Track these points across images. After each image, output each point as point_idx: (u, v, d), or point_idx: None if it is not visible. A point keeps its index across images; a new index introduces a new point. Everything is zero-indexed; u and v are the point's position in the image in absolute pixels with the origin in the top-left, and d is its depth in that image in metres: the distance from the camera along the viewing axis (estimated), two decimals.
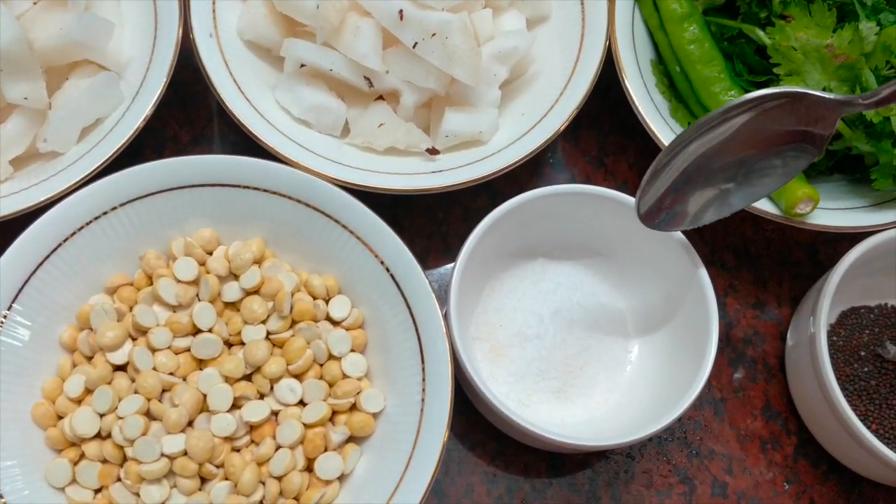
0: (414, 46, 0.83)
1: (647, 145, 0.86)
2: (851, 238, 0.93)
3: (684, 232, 0.86)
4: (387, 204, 0.90)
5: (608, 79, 0.88)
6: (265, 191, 0.77)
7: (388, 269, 0.76)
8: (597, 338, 0.84)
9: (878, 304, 0.89)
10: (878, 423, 0.81)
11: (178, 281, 0.76)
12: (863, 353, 0.84)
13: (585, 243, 0.86)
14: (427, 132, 0.88)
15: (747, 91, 0.86)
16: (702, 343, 0.76)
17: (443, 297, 0.80)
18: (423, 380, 0.74)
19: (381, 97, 0.87)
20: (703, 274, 0.78)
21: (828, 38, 0.82)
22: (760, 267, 0.94)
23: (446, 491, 0.83)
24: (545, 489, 0.84)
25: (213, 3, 0.86)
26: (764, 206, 0.84)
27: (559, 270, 0.87)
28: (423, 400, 0.73)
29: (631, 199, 0.80)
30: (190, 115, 0.94)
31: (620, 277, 0.87)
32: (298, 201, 0.77)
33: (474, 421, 0.85)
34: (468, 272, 0.78)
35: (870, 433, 0.75)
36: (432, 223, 0.92)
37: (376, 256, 0.76)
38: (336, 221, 0.77)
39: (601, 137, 0.98)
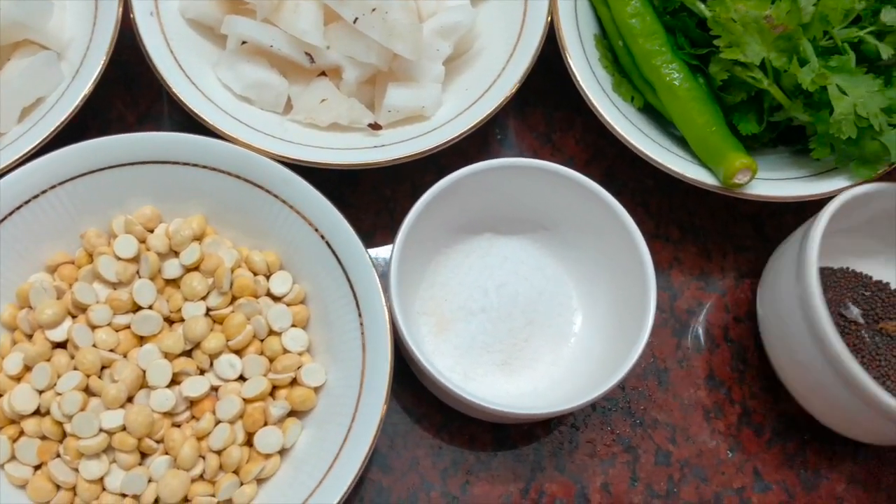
0: (354, 22, 0.82)
1: (593, 121, 0.86)
2: (795, 209, 0.95)
3: (627, 205, 0.86)
4: (333, 181, 0.90)
5: (555, 55, 0.87)
6: (205, 167, 0.77)
7: (328, 244, 0.76)
8: (542, 311, 0.84)
9: (840, 267, 0.88)
10: None
11: (119, 258, 0.76)
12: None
13: (532, 217, 0.86)
14: (372, 108, 0.88)
15: (688, 64, 0.86)
16: (641, 314, 0.77)
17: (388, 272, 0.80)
18: (364, 353, 0.74)
19: (323, 73, 0.87)
20: (643, 246, 0.79)
21: (766, 9, 0.82)
22: (705, 239, 0.94)
23: (392, 464, 0.83)
24: (490, 460, 0.84)
25: None
26: (703, 177, 0.84)
27: (506, 245, 0.87)
28: (363, 373, 0.73)
29: (574, 173, 0.80)
30: (136, 95, 0.93)
31: (566, 251, 0.87)
32: (238, 177, 0.77)
33: (420, 395, 0.85)
34: (410, 247, 0.78)
35: (884, 391, 0.73)
36: (380, 200, 0.92)
37: (317, 231, 0.76)
38: (276, 197, 0.77)
39: (548, 113, 0.98)
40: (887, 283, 0.86)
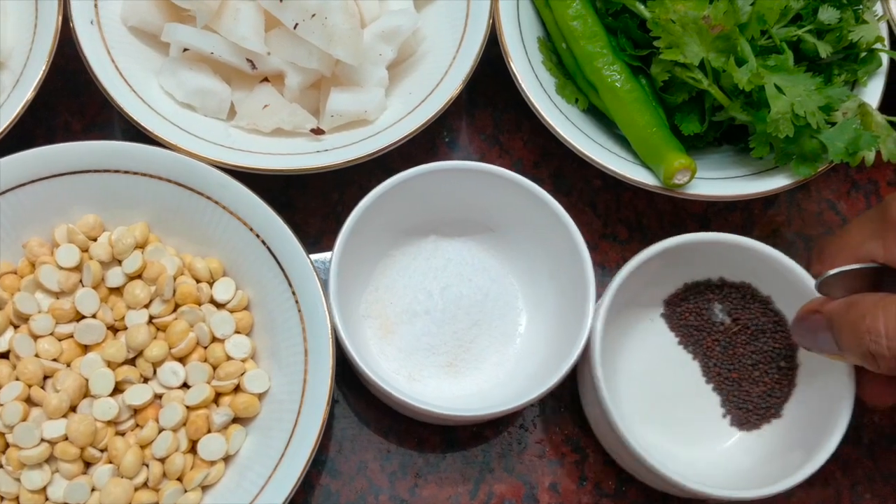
0: (295, 27, 0.82)
1: (540, 122, 0.86)
2: (742, 206, 0.95)
3: (576, 205, 0.87)
4: (280, 186, 0.90)
5: (503, 57, 0.88)
6: (145, 175, 0.76)
7: (269, 249, 0.76)
8: (487, 312, 0.84)
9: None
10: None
11: (61, 268, 0.75)
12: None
13: (477, 219, 0.86)
14: (317, 113, 0.88)
15: (630, 66, 0.87)
16: (582, 314, 0.77)
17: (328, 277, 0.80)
18: (306, 359, 0.74)
19: (266, 79, 0.87)
20: (583, 247, 0.79)
21: (704, 9, 0.82)
22: (653, 239, 0.93)
23: (340, 469, 0.83)
24: (439, 462, 0.84)
25: None
26: (646, 178, 0.85)
27: (451, 247, 0.87)
28: (305, 379, 0.73)
29: (515, 175, 0.81)
30: (82, 104, 0.92)
31: (511, 252, 0.87)
32: (178, 184, 0.76)
33: (369, 399, 0.85)
34: (352, 250, 0.78)
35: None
36: (327, 204, 0.92)
37: (258, 236, 0.76)
38: (216, 202, 0.76)
39: (496, 115, 0.98)
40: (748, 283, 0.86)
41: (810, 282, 0.77)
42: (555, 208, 0.80)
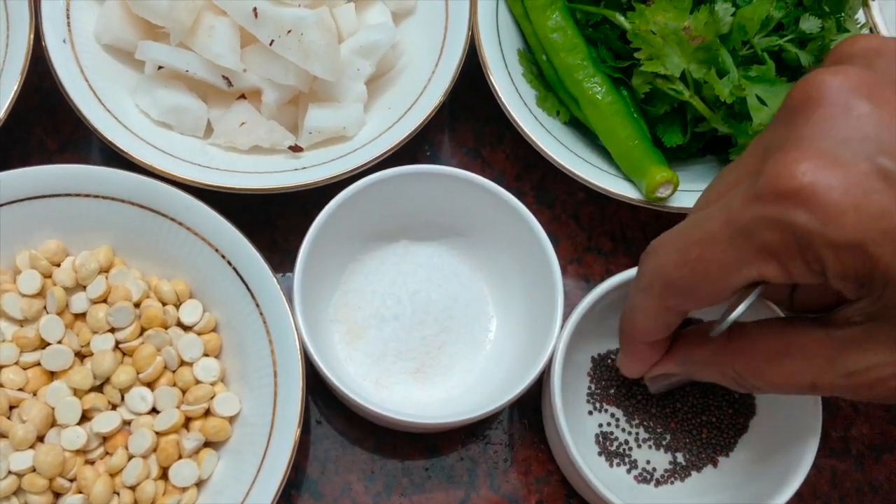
0: (271, 44, 0.80)
1: (522, 135, 0.84)
2: None
3: (559, 217, 0.84)
4: (259, 203, 0.87)
5: (482, 72, 0.85)
6: (108, 198, 0.74)
7: (235, 270, 0.73)
8: (457, 317, 0.82)
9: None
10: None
11: (23, 295, 0.72)
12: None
13: (448, 223, 0.84)
14: (296, 129, 0.86)
15: (610, 77, 0.84)
16: (549, 319, 0.75)
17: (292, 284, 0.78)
18: (276, 379, 0.71)
19: (243, 96, 0.84)
20: (552, 255, 0.77)
21: (685, 20, 0.79)
22: (637, 251, 0.90)
23: (323, 491, 0.80)
24: (424, 483, 0.82)
25: (67, 7, 0.82)
26: (628, 191, 0.82)
27: (421, 251, 0.85)
28: (275, 399, 0.71)
29: (482, 179, 0.79)
30: (57, 122, 0.90)
31: (481, 257, 0.85)
32: (143, 206, 0.74)
33: (352, 419, 0.82)
34: (318, 255, 0.76)
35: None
36: (307, 221, 0.88)
37: (223, 257, 0.73)
38: (181, 224, 0.74)
39: (477, 128, 0.95)
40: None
41: None
42: (522, 212, 0.78)
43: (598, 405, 0.81)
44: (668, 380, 0.73)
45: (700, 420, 0.80)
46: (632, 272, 0.75)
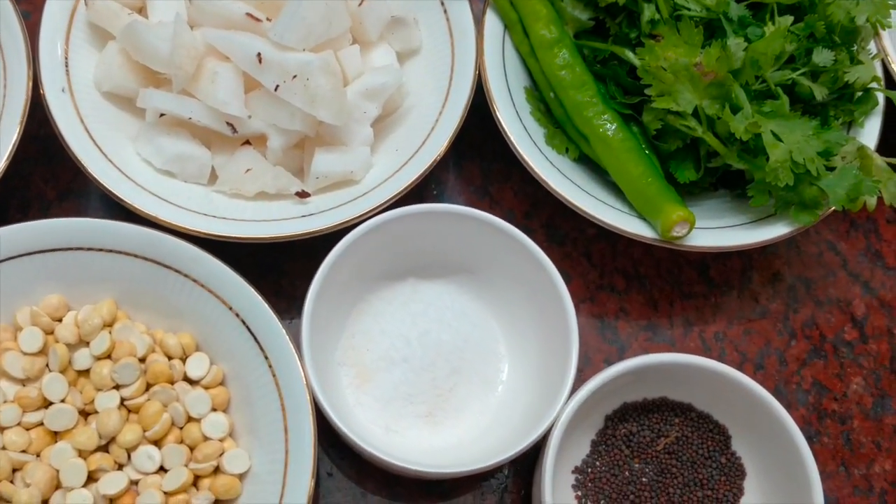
0: (276, 89, 0.75)
1: (529, 172, 0.79)
2: (740, 253, 0.88)
3: (570, 255, 0.80)
4: (266, 249, 0.83)
5: (488, 108, 0.81)
6: (111, 251, 0.69)
7: (244, 322, 0.69)
8: (468, 358, 0.78)
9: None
10: None
11: (25, 353, 0.68)
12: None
13: (456, 262, 0.80)
14: (301, 174, 0.81)
15: (621, 114, 0.80)
16: (564, 360, 0.71)
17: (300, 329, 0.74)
18: (287, 435, 0.67)
19: (248, 141, 0.80)
20: (566, 295, 0.73)
21: (696, 56, 0.76)
22: (651, 288, 0.87)
23: None
24: None
25: (66, 55, 0.78)
26: (642, 230, 0.78)
27: (430, 290, 0.81)
28: (286, 455, 0.67)
29: (493, 218, 0.75)
30: (56, 170, 0.85)
31: (492, 295, 0.81)
32: (147, 259, 0.70)
33: (362, 468, 0.78)
34: (325, 299, 0.72)
35: None
36: (314, 265, 0.84)
37: (231, 309, 0.69)
38: (186, 276, 0.70)
39: (485, 166, 0.91)
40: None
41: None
42: (532, 250, 0.74)
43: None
44: None
45: (696, 497, 0.75)
46: (637, 360, 0.72)
